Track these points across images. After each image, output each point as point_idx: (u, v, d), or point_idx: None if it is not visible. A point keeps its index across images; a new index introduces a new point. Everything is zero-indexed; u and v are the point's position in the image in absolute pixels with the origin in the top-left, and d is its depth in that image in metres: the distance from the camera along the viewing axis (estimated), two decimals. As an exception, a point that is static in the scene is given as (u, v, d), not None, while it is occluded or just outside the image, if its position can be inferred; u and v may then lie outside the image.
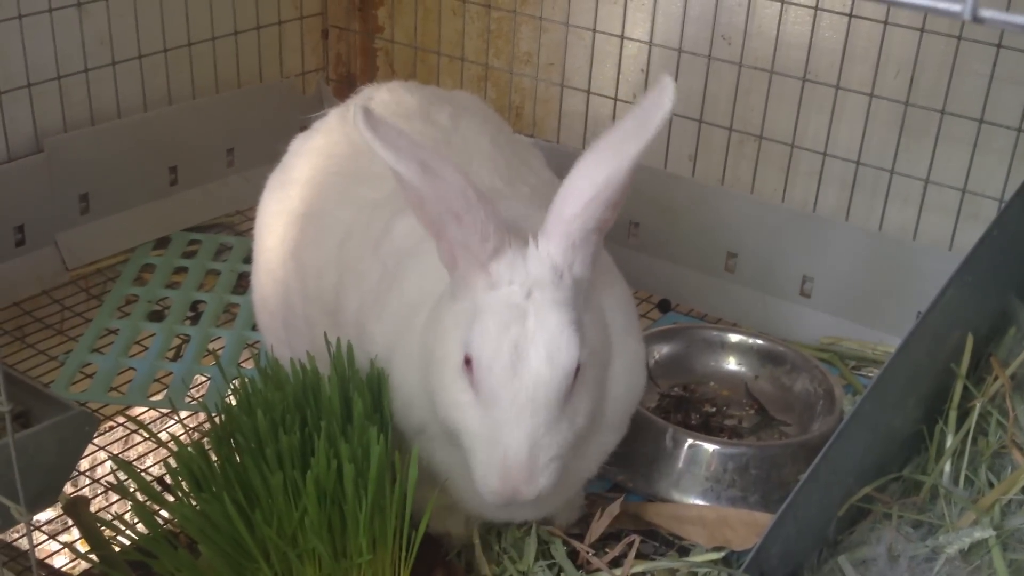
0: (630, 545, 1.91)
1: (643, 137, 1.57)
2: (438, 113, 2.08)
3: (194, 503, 1.63)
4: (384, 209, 1.89)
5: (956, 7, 0.59)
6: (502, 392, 1.56)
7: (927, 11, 0.62)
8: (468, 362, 1.58)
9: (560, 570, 1.88)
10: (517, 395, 1.55)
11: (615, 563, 1.89)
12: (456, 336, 1.61)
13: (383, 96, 2.16)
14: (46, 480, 1.74)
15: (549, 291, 1.58)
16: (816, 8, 2.58)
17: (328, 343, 1.79)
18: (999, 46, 2.36)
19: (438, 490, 1.87)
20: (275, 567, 1.59)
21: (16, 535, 2.17)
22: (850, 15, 2.53)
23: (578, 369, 1.58)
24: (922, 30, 2.45)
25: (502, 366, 1.55)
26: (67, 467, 1.80)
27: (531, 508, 1.76)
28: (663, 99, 1.57)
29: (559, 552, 1.90)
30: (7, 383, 1.53)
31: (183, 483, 1.65)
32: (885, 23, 2.49)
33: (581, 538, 1.94)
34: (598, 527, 1.93)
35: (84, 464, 2.30)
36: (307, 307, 1.99)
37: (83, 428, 1.76)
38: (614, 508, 1.95)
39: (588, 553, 1.90)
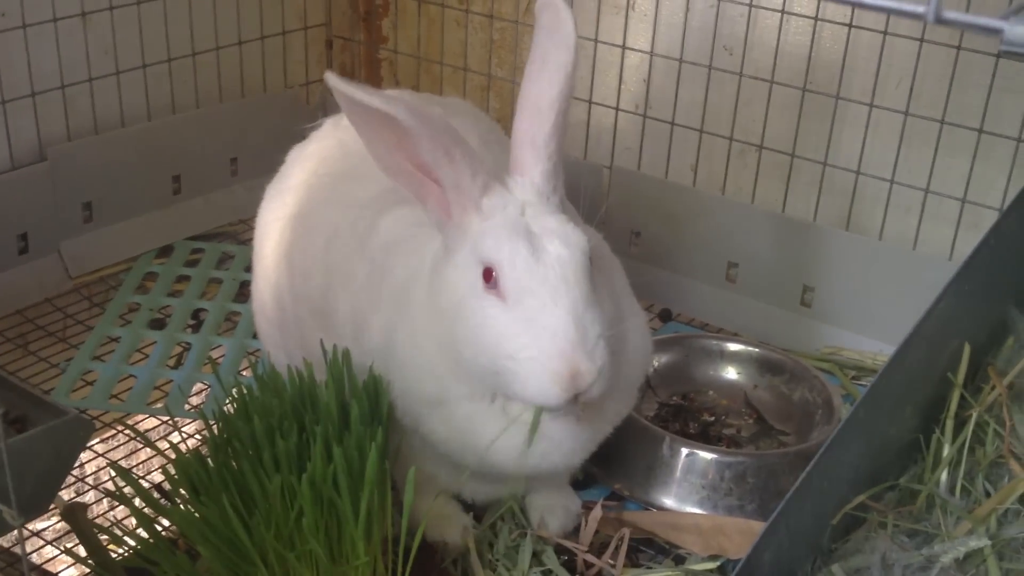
0: (622, 539, 1.92)
1: (567, 44, 1.66)
2: None
3: (192, 508, 1.64)
4: (370, 208, 1.92)
5: (920, 8, 0.60)
6: (531, 280, 1.60)
7: (891, 12, 0.62)
8: (487, 276, 1.62)
9: (554, 576, 1.88)
10: (546, 277, 1.60)
11: (613, 564, 1.90)
12: (465, 272, 1.66)
13: None
14: (41, 485, 1.74)
15: (541, 207, 1.68)
16: (816, 19, 2.58)
17: (324, 350, 1.80)
18: (999, 56, 2.36)
19: (439, 494, 1.89)
20: (274, 570, 1.60)
21: (13, 542, 2.18)
22: (850, 25, 2.53)
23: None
24: (922, 40, 2.45)
25: (524, 257, 1.61)
26: (62, 472, 1.80)
27: (573, 437, 1.76)
28: (560, 11, 1.67)
29: (551, 559, 1.90)
30: (2, 388, 1.54)
31: (181, 489, 1.66)
32: (885, 33, 2.49)
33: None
34: (587, 533, 1.93)
35: (87, 469, 2.32)
36: (296, 307, 2.01)
37: (78, 433, 1.77)
38: (597, 512, 1.97)
39: (583, 552, 1.91)
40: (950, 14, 0.59)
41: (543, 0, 1.69)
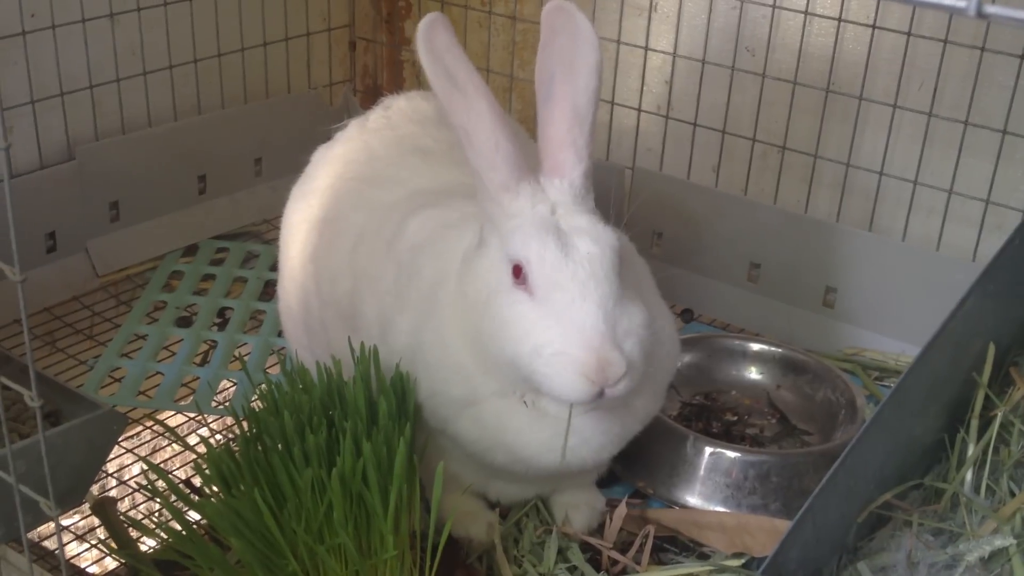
0: (646, 537, 1.93)
1: (592, 45, 1.67)
2: None
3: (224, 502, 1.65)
4: (396, 211, 1.93)
5: (961, 3, 0.61)
6: (560, 275, 1.61)
7: (932, 7, 0.63)
8: (516, 272, 1.63)
9: (581, 573, 1.89)
10: (576, 273, 1.61)
11: (638, 561, 1.92)
12: (494, 267, 1.67)
13: (401, 104, 2.22)
14: (74, 478, 1.76)
15: (574, 207, 1.69)
16: (840, 19, 2.59)
17: (352, 348, 1.81)
18: (1023, 57, 2.36)
19: (464, 490, 1.90)
20: (304, 562, 1.62)
21: (41, 537, 2.20)
22: (874, 26, 2.54)
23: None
24: (945, 41, 2.45)
25: (553, 253, 1.61)
26: (95, 465, 1.82)
27: (603, 433, 1.76)
28: (573, 13, 1.67)
29: (577, 556, 1.91)
30: (38, 382, 1.56)
31: (212, 484, 1.68)
32: (908, 34, 2.50)
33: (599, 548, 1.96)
34: (612, 530, 1.94)
35: (112, 466, 2.34)
36: (323, 311, 2.02)
37: (111, 427, 1.79)
38: (622, 510, 1.98)
39: (608, 549, 1.92)
40: (990, 8, 0.60)
41: (554, 4, 1.69)
